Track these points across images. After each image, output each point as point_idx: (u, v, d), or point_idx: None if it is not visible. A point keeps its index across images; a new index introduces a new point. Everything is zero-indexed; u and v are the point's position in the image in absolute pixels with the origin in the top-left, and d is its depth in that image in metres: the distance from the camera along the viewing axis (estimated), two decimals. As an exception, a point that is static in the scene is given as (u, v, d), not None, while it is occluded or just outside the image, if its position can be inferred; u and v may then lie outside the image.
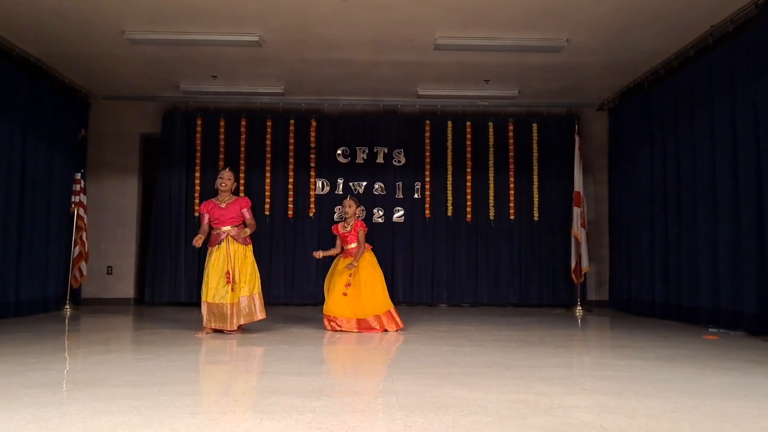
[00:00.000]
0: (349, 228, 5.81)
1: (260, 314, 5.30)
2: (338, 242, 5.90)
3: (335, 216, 8.58)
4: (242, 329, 5.36)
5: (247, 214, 5.45)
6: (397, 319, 5.68)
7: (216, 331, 5.24)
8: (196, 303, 7.74)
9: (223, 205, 5.41)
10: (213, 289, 5.20)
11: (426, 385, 3.09)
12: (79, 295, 8.03)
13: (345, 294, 5.59)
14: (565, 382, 3.23)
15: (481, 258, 8.63)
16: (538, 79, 7.72)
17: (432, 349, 4.47)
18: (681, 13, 5.72)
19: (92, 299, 8.37)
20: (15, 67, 6.66)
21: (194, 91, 8.20)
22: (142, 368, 3.62)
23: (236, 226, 5.37)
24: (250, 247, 5.44)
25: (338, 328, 5.58)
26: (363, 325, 5.59)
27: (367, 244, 5.88)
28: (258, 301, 5.33)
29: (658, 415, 2.50)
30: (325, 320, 5.69)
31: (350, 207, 5.86)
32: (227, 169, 5.56)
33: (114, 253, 8.58)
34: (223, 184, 5.42)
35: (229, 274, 5.22)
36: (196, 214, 8.45)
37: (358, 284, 5.63)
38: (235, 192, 5.51)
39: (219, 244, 5.31)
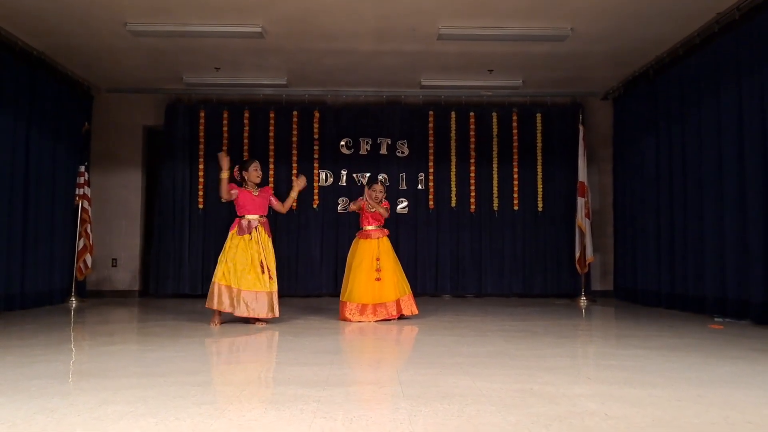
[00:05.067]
0: (373, 210, 5.84)
1: (278, 311, 5.36)
2: (354, 206, 5.98)
3: (339, 207, 8.59)
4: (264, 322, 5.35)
5: (275, 201, 5.60)
6: (414, 304, 5.80)
7: (234, 319, 5.25)
8: (200, 295, 7.83)
9: (255, 193, 5.44)
10: (239, 276, 5.20)
11: (430, 374, 3.10)
12: (84, 287, 8.06)
13: (379, 279, 5.67)
14: (569, 372, 3.23)
15: (485, 249, 8.62)
16: (542, 69, 7.68)
17: (436, 340, 4.48)
18: (686, 1, 5.66)
19: (97, 291, 8.40)
20: (18, 60, 6.66)
21: (197, 83, 8.18)
22: (148, 359, 3.63)
23: (263, 216, 5.46)
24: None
25: (357, 319, 5.58)
26: (380, 312, 5.63)
27: (385, 229, 5.97)
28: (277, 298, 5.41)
29: (663, 403, 2.50)
30: (347, 311, 5.66)
31: (382, 192, 5.93)
32: (256, 161, 5.63)
33: (118, 245, 8.60)
34: (256, 176, 5.51)
35: (262, 264, 5.25)
36: (200, 207, 8.47)
37: (382, 269, 5.72)
38: (240, 183, 5.57)
39: (249, 233, 5.31)
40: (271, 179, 8.55)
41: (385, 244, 5.88)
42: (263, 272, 5.24)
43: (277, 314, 5.29)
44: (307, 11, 5.97)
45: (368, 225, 5.88)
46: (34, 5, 5.82)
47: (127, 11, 5.99)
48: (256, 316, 5.22)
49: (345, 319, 5.65)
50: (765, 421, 2.24)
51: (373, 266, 5.70)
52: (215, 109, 8.64)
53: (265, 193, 5.54)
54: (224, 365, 3.65)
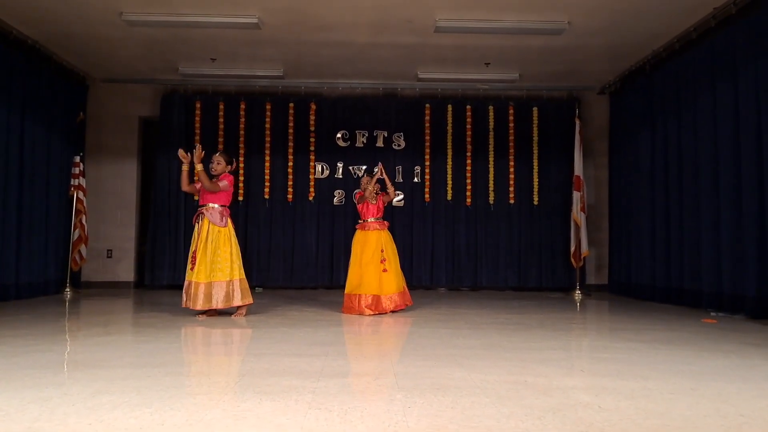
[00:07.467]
0: (374, 201, 5.86)
1: (239, 300, 5.17)
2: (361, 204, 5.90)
3: (335, 200, 8.58)
4: (216, 312, 5.27)
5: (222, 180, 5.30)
6: (409, 295, 5.86)
7: (208, 312, 5.22)
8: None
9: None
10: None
11: (425, 366, 3.11)
12: (79, 278, 8.05)
13: (385, 270, 5.67)
14: (563, 364, 3.25)
15: (481, 242, 8.63)
16: (538, 62, 7.67)
17: (431, 332, 4.49)
18: (683, -5, 5.67)
19: (92, 282, 8.39)
20: (12, 50, 6.62)
21: (193, 74, 8.14)
22: (142, 350, 3.63)
23: (221, 206, 5.28)
24: (227, 230, 5.23)
25: (369, 312, 5.54)
26: (379, 305, 5.60)
27: (385, 222, 5.97)
28: (238, 287, 5.19)
29: (656, 396, 2.51)
30: (356, 302, 5.63)
31: (370, 183, 5.86)
32: (217, 154, 5.51)
33: (113, 236, 8.58)
34: (212, 169, 5.40)
35: (195, 255, 5.13)
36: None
37: (387, 259, 5.74)
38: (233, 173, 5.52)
39: (199, 221, 5.25)
40: (267, 171, 8.53)
41: (386, 236, 5.87)
42: (191, 262, 5.15)
43: (196, 307, 5.10)
44: (304, 2, 5.94)
45: (369, 216, 5.83)
46: (28, -6, 5.78)
47: (122, 0, 5.94)
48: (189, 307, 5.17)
49: (354, 312, 5.58)
50: (757, 414, 2.25)
51: (378, 257, 5.71)
52: (211, 100, 8.61)
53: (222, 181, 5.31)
54: (219, 356, 3.65)
